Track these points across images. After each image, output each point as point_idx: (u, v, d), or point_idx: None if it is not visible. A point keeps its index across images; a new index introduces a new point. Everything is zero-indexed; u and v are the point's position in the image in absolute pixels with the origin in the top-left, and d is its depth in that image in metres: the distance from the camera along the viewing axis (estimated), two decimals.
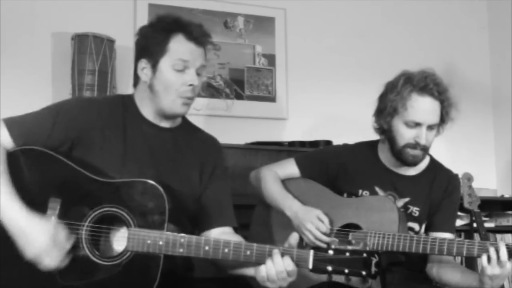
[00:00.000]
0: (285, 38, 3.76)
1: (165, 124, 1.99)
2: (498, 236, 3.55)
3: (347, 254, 1.66)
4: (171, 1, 3.49)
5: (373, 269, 1.65)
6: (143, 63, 1.93)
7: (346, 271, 1.65)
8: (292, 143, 3.37)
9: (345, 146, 2.46)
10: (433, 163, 2.36)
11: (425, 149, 2.21)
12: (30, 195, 1.73)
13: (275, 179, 2.35)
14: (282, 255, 1.69)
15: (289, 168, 2.38)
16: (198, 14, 3.57)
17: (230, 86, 3.61)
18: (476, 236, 2.97)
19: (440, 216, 2.28)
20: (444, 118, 2.22)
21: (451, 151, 3.93)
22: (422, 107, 2.17)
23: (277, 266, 1.68)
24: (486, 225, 3.17)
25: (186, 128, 2.06)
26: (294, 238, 1.74)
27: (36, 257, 1.67)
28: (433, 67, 2.28)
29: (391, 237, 2.08)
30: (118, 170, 1.85)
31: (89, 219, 1.75)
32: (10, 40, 3.16)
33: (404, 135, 2.19)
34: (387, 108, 2.22)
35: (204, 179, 2.01)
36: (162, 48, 1.89)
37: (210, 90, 3.56)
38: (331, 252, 1.67)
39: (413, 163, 2.23)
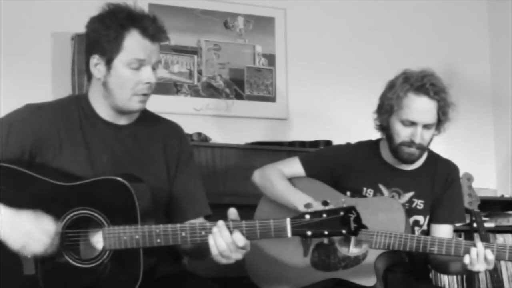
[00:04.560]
0: (285, 38, 3.75)
1: (123, 121, 1.92)
2: (498, 236, 3.55)
3: (324, 215, 1.62)
4: (171, 1, 3.48)
5: (352, 225, 1.62)
6: (96, 59, 1.83)
7: (326, 232, 1.62)
8: (292, 143, 3.36)
9: (348, 146, 2.49)
10: (432, 155, 2.40)
11: (421, 148, 2.25)
12: None
13: (281, 176, 2.35)
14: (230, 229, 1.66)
15: (294, 167, 2.39)
16: (198, 14, 3.57)
17: (230, 86, 3.60)
18: (476, 236, 2.97)
19: (441, 209, 2.32)
20: (441, 118, 2.25)
21: (451, 151, 3.90)
22: (418, 107, 2.21)
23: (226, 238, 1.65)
24: (486, 225, 3.17)
25: (146, 121, 1.99)
26: (232, 213, 1.71)
27: (24, 247, 1.66)
28: (433, 67, 2.29)
29: (398, 237, 2.11)
30: (81, 173, 1.81)
31: (61, 225, 1.72)
32: (10, 40, 3.16)
33: (400, 133, 2.23)
34: (384, 106, 2.27)
35: (171, 171, 1.96)
36: (117, 45, 1.79)
37: (210, 90, 3.56)
38: (307, 216, 1.63)
39: (409, 160, 2.28)
